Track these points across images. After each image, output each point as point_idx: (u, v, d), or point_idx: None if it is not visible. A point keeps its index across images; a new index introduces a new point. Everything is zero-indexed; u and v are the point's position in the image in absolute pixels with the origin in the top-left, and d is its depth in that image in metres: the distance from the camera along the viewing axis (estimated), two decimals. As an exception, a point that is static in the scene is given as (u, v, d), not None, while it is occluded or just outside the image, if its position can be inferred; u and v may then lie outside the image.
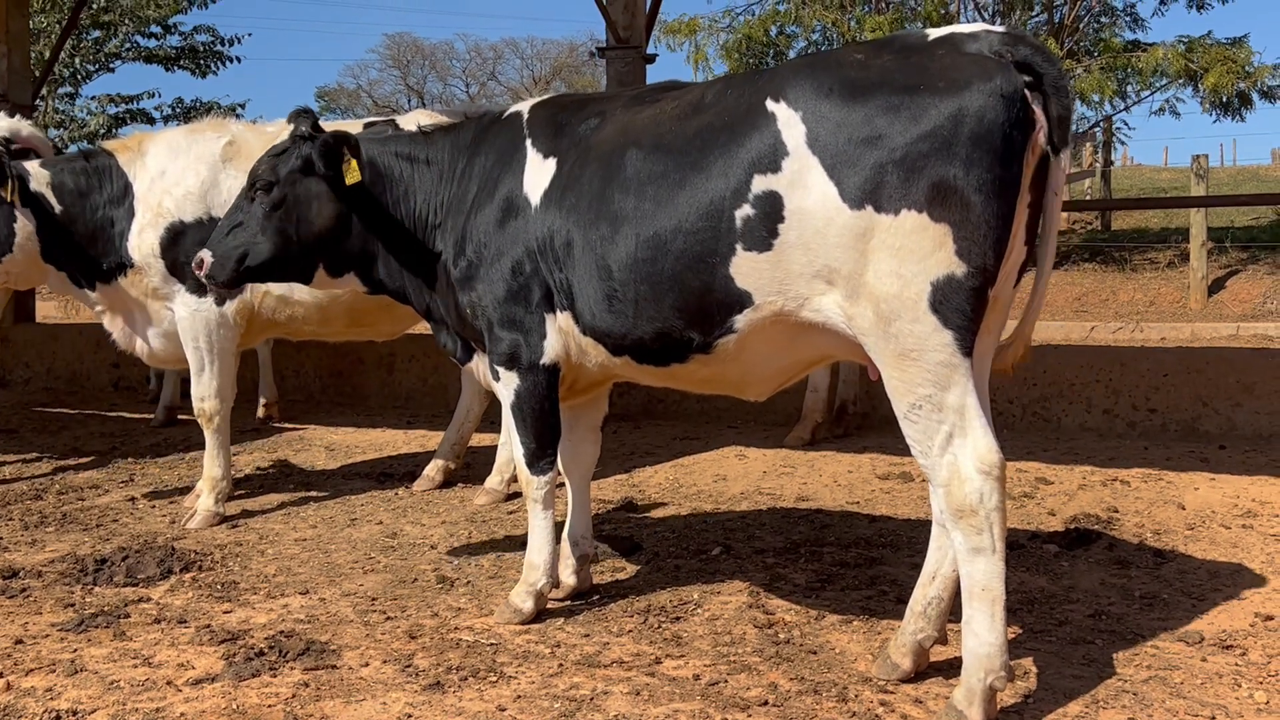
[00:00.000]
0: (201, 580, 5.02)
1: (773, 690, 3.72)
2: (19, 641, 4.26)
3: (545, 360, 4.29)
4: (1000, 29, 3.44)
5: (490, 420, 7.41)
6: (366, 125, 5.92)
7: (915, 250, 3.31)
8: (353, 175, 4.49)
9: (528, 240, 4.19)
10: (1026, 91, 3.32)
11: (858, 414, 8.21)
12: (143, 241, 6.13)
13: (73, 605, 4.71)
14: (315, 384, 10.32)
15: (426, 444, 7.99)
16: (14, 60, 11.90)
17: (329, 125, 4.86)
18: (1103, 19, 22.88)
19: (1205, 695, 3.69)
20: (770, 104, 3.57)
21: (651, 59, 9.61)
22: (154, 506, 6.48)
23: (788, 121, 3.51)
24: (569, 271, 4.07)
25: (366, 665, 3.97)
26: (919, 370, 3.37)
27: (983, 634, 3.39)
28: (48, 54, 21.78)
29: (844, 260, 3.42)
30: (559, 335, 4.25)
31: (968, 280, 3.30)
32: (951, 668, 3.80)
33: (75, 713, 3.62)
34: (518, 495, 6.36)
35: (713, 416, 8.73)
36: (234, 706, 3.63)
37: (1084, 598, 4.61)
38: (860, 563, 5.07)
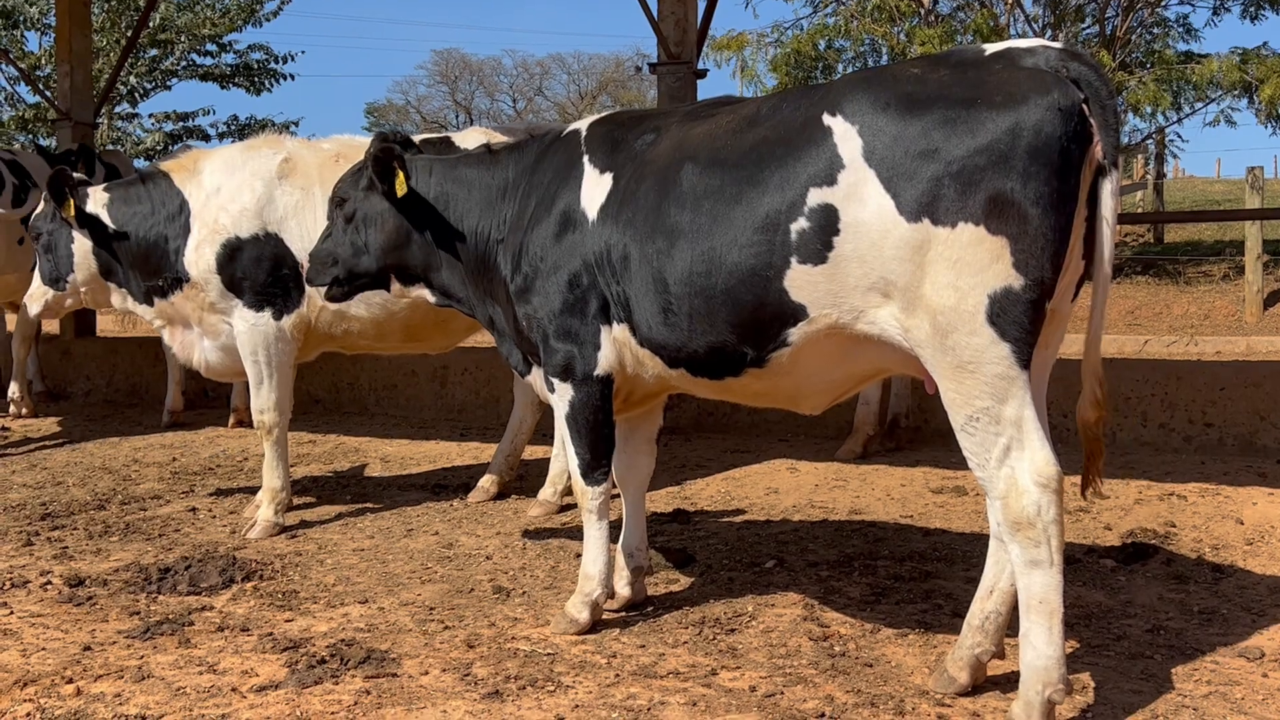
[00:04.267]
0: (263, 589, 5.10)
1: (829, 702, 3.73)
2: (87, 648, 4.36)
3: (599, 372, 4.34)
4: (1057, 45, 3.45)
5: (543, 433, 7.47)
6: (420, 142, 6.02)
7: (973, 263, 3.32)
8: (400, 188, 4.70)
9: (585, 253, 4.24)
10: (1084, 106, 3.32)
11: (910, 428, 8.18)
12: (200, 258, 6.25)
13: (138, 613, 4.80)
14: (370, 397, 10.44)
15: (480, 456, 8.06)
16: (76, 79, 12.17)
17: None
18: (1155, 30, 22.66)
19: (1267, 711, 3.66)
20: (827, 118, 3.59)
21: (703, 74, 9.64)
22: (214, 517, 6.60)
23: (844, 135, 3.53)
24: (626, 284, 4.11)
25: (426, 674, 4.02)
26: (976, 382, 3.38)
27: (1040, 647, 3.39)
28: (107, 72, 22.22)
29: (900, 273, 3.43)
30: (614, 347, 4.29)
31: (1025, 293, 3.31)
32: (1009, 682, 3.79)
33: (144, 718, 3.70)
34: (571, 507, 6.41)
35: (763, 430, 8.74)
36: (298, 713, 3.70)
37: (1142, 612, 4.58)
38: (915, 576, 5.07)
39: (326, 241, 5.00)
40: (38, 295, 6.74)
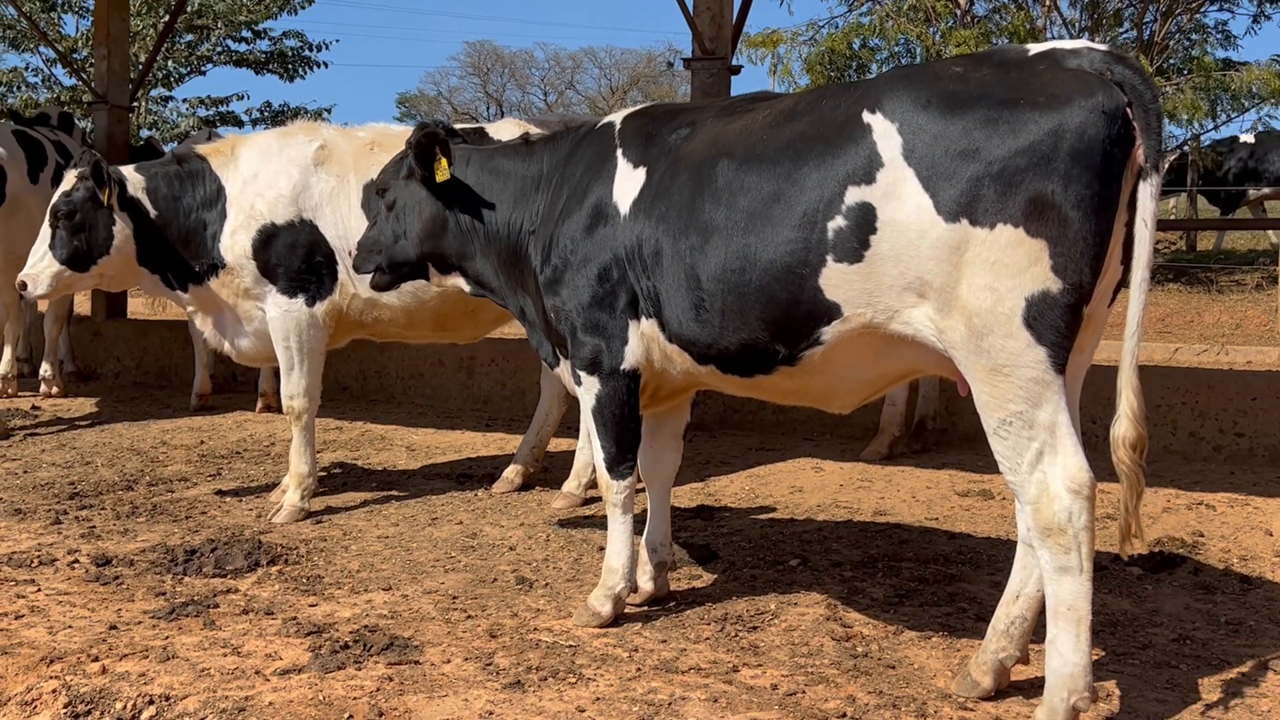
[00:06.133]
0: (287, 574, 5.13)
1: (851, 703, 3.72)
2: (113, 627, 4.39)
3: (626, 366, 4.33)
4: (1102, 46, 3.42)
5: (568, 425, 7.47)
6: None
7: (1010, 265, 3.29)
8: (442, 173, 4.68)
9: (616, 247, 4.23)
10: (1128, 110, 3.29)
11: (936, 430, 8.13)
12: (235, 243, 6.27)
13: (164, 594, 4.83)
14: (397, 385, 10.46)
15: (505, 447, 8.07)
16: (113, 62, 12.24)
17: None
18: (1193, 36, 22.43)
19: (1295, 725, 3.63)
20: (866, 115, 3.57)
21: (737, 70, 9.60)
22: (241, 500, 6.63)
23: (884, 133, 3.51)
24: (657, 280, 4.10)
25: (448, 662, 4.03)
26: (1010, 386, 3.35)
27: (1067, 654, 3.37)
28: (143, 56, 22.35)
29: (936, 273, 3.41)
30: (642, 342, 4.28)
31: (1063, 297, 3.28)
32: (1033, 687, 3.77)
33: (168, 698, 3.72)
34: (595, 500, 6.40)
35: (789, 428, 8.71)
36: (320, 697, 3.71)
37: (1168, 622, 4.54)
38: (939, 579, 5.04)
39: (371, 230, 5.04)
40: (44, 275, 6.40)
